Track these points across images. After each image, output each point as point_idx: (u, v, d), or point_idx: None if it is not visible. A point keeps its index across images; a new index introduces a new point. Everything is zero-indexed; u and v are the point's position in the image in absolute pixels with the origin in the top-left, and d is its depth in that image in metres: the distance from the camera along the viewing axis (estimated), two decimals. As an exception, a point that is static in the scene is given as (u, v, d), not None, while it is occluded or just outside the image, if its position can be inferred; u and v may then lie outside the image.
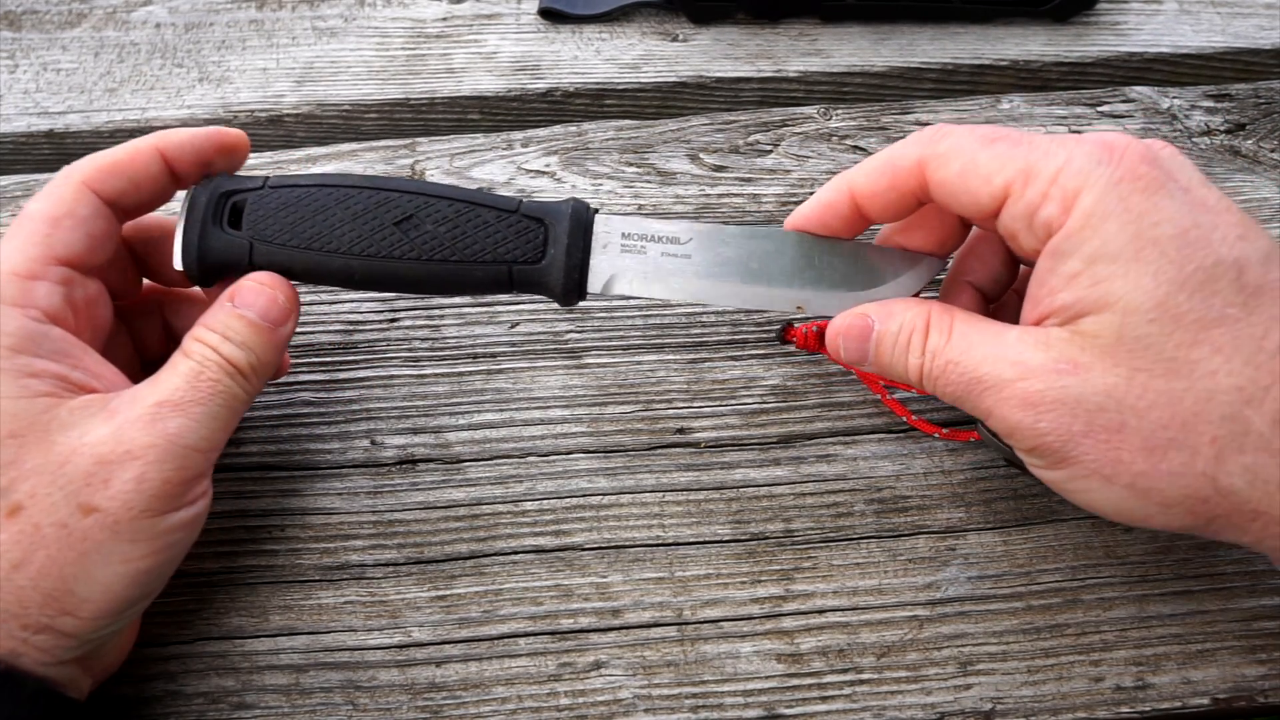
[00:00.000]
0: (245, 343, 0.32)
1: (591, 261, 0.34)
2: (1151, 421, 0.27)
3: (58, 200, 0.31)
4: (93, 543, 0.28)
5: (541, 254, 0.33)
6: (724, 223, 0.43)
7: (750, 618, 0.34)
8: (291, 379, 0.39)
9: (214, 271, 0.33)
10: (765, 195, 0.45)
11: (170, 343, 0.35)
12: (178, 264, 0.33)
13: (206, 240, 0.33)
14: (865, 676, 0.33)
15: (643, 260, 0.34)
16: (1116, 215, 0.28)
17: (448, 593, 0.35)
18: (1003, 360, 0.29)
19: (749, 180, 0.45)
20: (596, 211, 0.35)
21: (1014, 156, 0.30)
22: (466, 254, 0.33)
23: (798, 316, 0.38)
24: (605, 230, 0.34)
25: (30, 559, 0.27)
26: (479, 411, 0.39)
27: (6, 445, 0.28)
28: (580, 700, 0.33)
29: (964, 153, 0.31)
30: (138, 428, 0.29)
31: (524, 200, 0.34)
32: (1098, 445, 0.28)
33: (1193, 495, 0.28)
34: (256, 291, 0.32)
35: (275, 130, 0.50)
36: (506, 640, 0.34)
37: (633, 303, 0.41)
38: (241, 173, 0.35)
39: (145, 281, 0.37)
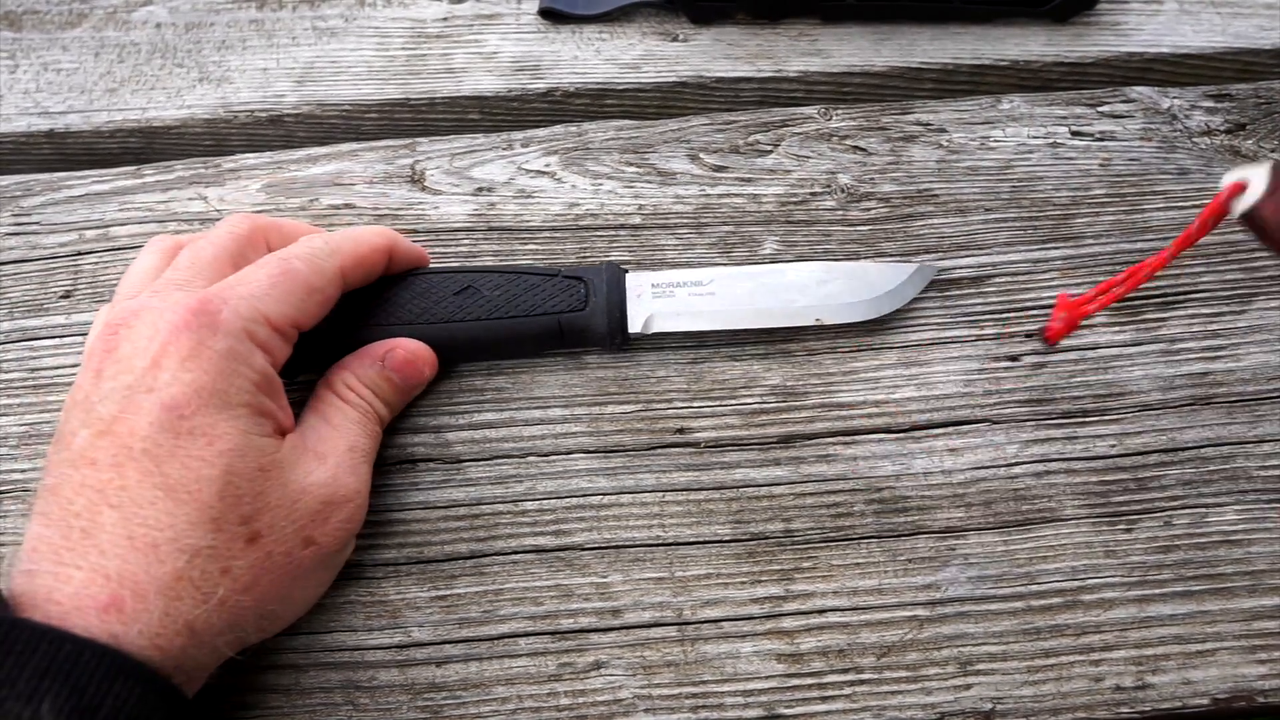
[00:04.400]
0: (388, 402, 0.36)
1: (629, 308, 0.39)
2: None
3: (319, 273, 0.34)
4: (304, 570, 0.31)
5: (584, 304, 0.38)
6: (724, 223, 0.43)
7: (750, 618, 0.34)
8: (297, 383, 0.39)
9: (295, 362, 0.35)
10: (765, 195, 0.45)
11: None
12: None
13: None
14: (865, 676, 0.33)
15: (673, 301, 0.39)
16: None
17: (448, 593, 0.35)
18: None
19: (749, 180, 0.45)
20: (628, 270, 0.40)
21: None
22: (519, 311, 0.38)
23: (825, 324, 0.39)
24: (637, 283, 0.39)
25: (258, 582, 0.29)
26: (479, 411, 0.39)
27: (256, 478, 0.30)
28: (580, 700, 0.33)
29: None
30: (346, 473, 0.33)
31: (563, 266, 0.40)
32: None
33: None
34: (409, 363, 0.37)
35: (275, 130, 0.50)
36: (506, 640, 0.34)
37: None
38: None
39: None
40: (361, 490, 0.33)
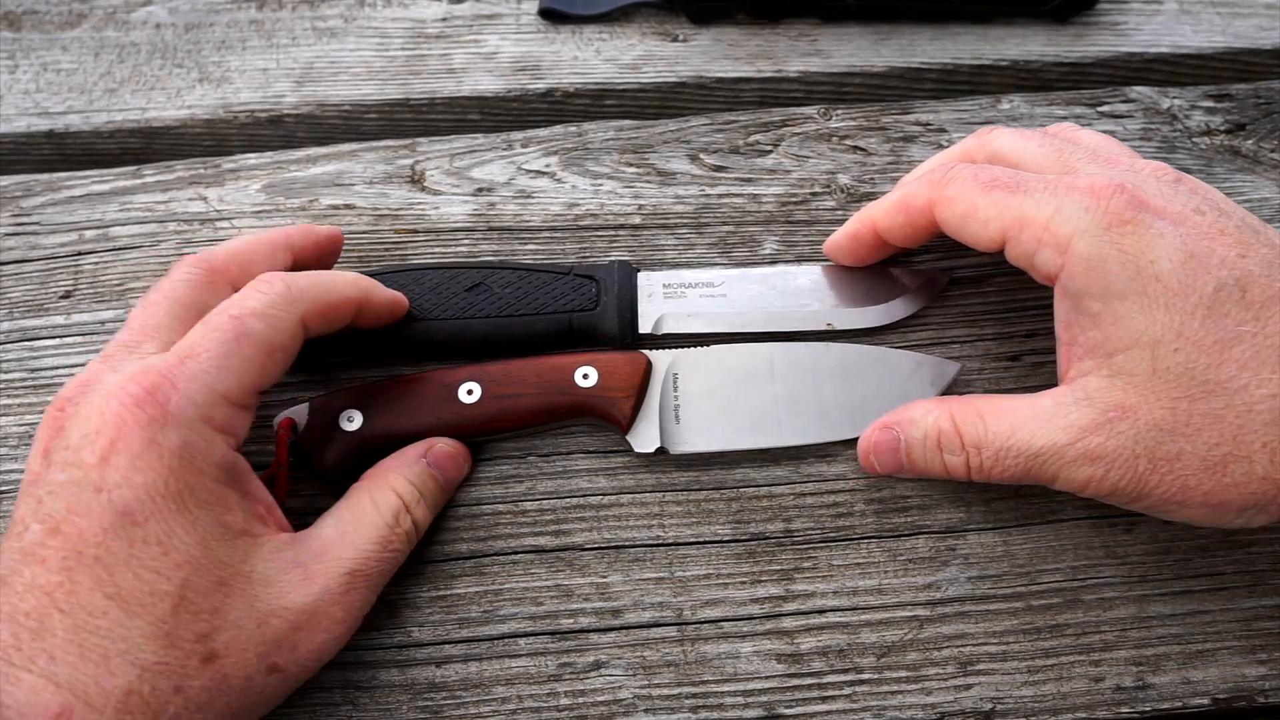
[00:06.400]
0: (433, 503, 0.35)
1: (640, 308, 0.38)
2: (1204, 442, 0.29)
3: (278, 329, 0.31)
4: (265, 695, 0.29)
5: (596, 303, 0.38)
6: (724, 223, 0.43)
7: (750, 618, 0.34)
8: (291, 379, 0.39)
9: (309, 354, 0.35)
10: (765, 195, 0.45)
11: None
12: None
13: None
14: (865, 676, 0.33)
15: (684, 303, 0.39)
16: (1113, 258, 0.30)
17: (448, 593, 0.35)
18: (1052, 427, 0.31)
19: (749, 180, 0.45)
20: (639, 269, 0.40)
21: (1009, 205, 0.32)
22: (530, 308, 0.38)
23: (836, 329, 0.39)
24: (648, 282, 0.39)
25: (213, 703, 0.28)
26: (479, 411, 0.39)
27: (213, 593, 0.28)
28: (580, 700, 0.33)
29: (965, 198, 0.33)
30: (333, 601, 0.30)
31: (575, 264, 0.40)
32: (1164, 477, 0.30)
33: (1261, 498, 0.29)
34: (450, 458, 0.35)
35: (275, 130, 0.50)
36: (506, 640, 0.34)
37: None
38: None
39: None
40: (346, 622, 0.31)
